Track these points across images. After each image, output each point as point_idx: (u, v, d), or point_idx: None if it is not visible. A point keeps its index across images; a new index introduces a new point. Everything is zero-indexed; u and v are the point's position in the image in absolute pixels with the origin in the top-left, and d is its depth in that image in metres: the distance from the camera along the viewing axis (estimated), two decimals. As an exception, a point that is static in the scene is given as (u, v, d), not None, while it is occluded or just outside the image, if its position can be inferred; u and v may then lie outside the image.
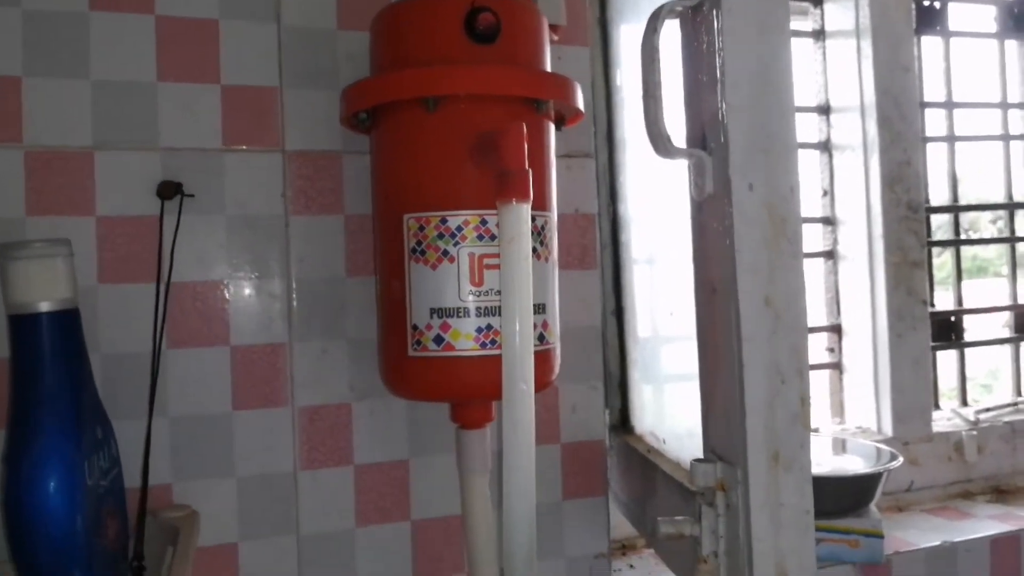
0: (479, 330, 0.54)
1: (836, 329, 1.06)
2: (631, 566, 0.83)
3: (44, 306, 0.52)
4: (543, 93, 0.55)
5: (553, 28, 0.71)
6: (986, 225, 1.50)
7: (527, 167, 0.51)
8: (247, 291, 0.66)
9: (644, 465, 0.70)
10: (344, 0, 0.68)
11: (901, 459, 0.81)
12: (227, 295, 0.66)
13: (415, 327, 0.56)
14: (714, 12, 0.48)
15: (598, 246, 0.76)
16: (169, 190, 0.63)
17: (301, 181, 0.67)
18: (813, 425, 1.04)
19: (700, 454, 0.55)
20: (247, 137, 0.66)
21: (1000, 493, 1.00)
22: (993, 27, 1.15)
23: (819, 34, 1.05)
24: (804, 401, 0.48)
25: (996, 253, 1.18)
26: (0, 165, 0.61)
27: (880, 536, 0.79)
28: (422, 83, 0.53)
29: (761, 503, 0.47)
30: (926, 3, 1.08)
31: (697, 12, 0.50)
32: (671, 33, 0.55)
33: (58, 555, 0.51)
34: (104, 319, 0.63)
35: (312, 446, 0.68)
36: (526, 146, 0.51)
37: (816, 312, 1.09)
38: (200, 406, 0.65)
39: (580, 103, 0.59)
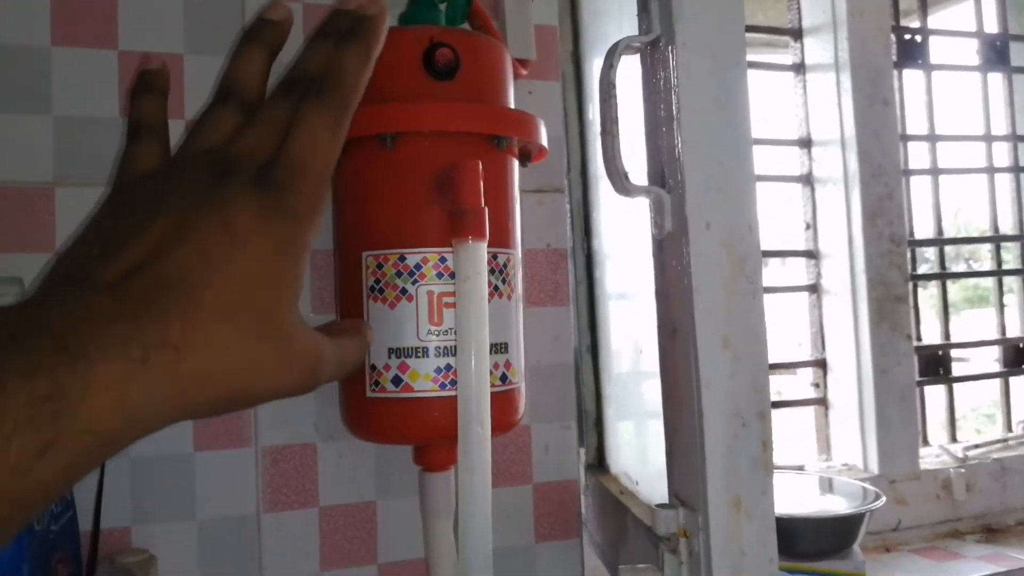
0: (438, 370, 0.53)
1: (821, 364, 1.04)
2: (609, 610, 0.81)
3: (-6, 347, 0.51)
4: (502, 130, 0.55)
5: (522, 63, 0.71)
6: (985, 255, 1.50)
7: (483, 205, 0.50)
8: (210, 329, 0.65)
9: (616, 507, 0.68)
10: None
11: (884, 499, 0.79)
12: (189, 333, 0.65)
13: (373, 367, 0.54)
14: (669, 48, 0.47)
15: (571, 281, 0.75)
16: (130, 227, 0.62)
17: (266, 217, 0.66)
18: (799, 462, 1.02)
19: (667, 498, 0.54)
20: (212, 173, 0.65)
21: (990, 532, 0.98)
22: (975, 60, 1.15)
23: (799, 67, 1.05)
24: (766, 445, 0.47)
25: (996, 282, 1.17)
26: (-40, 202, 0.60)
27: (863, 579, 0.77)
28: (378, 120, 0.53)
29: (722, 551, 0.46)
30: (907, 37, 1.08)
31: (655, 48, 0.50)
32: (634, 68, 0.54)
33: (1, 605, 0.50)
34: (63, 358, 0.62)
35: (276, 487, 0.66)
36: (482, 184, 0.50)
37: (802, 347, 1.08)
38: (160, 446, 0.64)
39: (543, 139, 0.58)
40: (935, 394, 1.09)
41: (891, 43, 1.01)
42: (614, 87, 0.49)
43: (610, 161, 0.49)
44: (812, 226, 1.04)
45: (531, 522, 0.72)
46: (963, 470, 0.99)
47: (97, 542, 0.57)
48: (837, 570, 0.78)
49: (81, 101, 0.63)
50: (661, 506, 0.50)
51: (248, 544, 0.65)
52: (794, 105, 1.05)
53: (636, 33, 0.51)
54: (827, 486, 0.92)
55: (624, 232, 0.71)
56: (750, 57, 1.05)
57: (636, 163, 0.54)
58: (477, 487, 0.49)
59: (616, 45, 0.50)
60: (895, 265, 0.98)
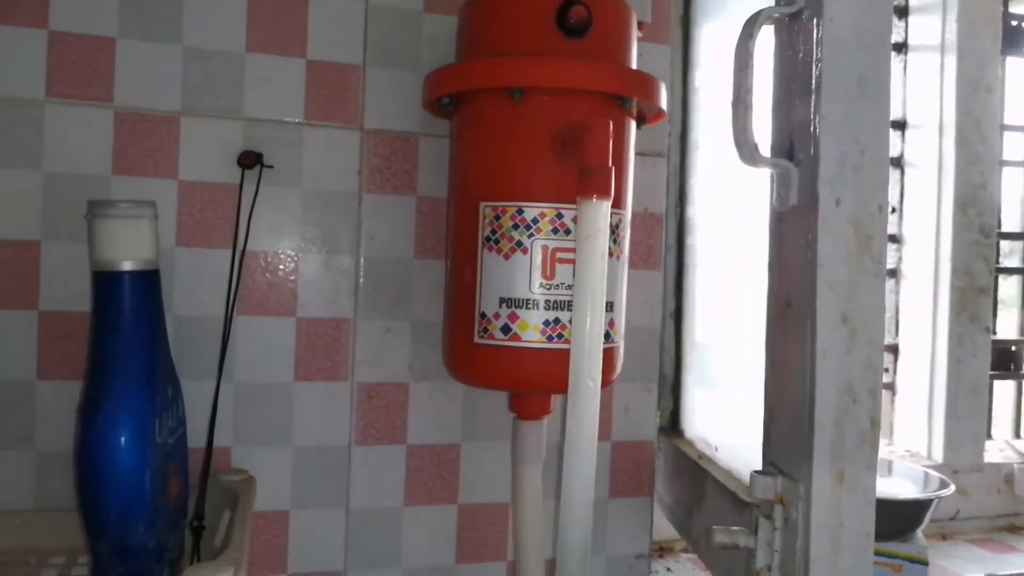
0: (547, 323, 0.55)
1: (893, 349, 1.04)
2: (668, 569, 0.83)
3: (127, 265, 0.54)
4: (630, 91, 0.55)
5: (638, 25, 0.71)
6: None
7: (610, 164, 0.51)
8: (317, 265, 0.67)
9: (694, 471, 0.70)
10: (433, -16, 0.69)
11: (952, 487, 0.79)
12: (298, 267, 0.67)
13: (483, 315, 0.56)
14: (814, 21, 0.47)
15: (663, 247, 0.76)
16: (250, 159, 0.64)
17: (377, 160, 0.68)
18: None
19: (756, 465, 0.55)
20: (328, 113, 0.67)
21: (1049, 530, 0.98)
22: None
23: (902, 47, 1.03)
24: (874, 422, 0.47)
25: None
26: (91, 123, 0.63)
27: (924, 563, 0.78)
28: (511, 73, 0.54)
29: (822, 522, 0.47)
30: (1013, 23, 1.05)
31: (795, 20, 0.50)
32: (764, 39, 0.54)
33: (124, 508, 0.52)
34: (180, 281, 0.64)
35: (368, 422, 0.69)
36: (610, 143, 0.51)
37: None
38: (264, 374, 0.67)
39: (664, 103, 0.59)
40: (1003, 389, 1.08)
41: (999, 29, 0.98)
42: (751, 57, 0.49)
43: (741, 131, 0.50)
44: (898, 210, 1.03)
45: (607, 478, 0.74)
46: (1027, 466, 0.99)
47: (210, 461, 0.60)
48: (900, 552, 0.78)
49: (210, 33, 0.65)
50: (759, 472, 0.51)
51: (338, 474, 0.68)
52: (893, 85, 1.03)
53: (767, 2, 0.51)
54: (886, 469, 0.92)
55: (725, 201, 0.71)
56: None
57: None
58: (585, 439, 0.50)
59: (758, 15, 0.49)
60: (982, 256, 0.96)
